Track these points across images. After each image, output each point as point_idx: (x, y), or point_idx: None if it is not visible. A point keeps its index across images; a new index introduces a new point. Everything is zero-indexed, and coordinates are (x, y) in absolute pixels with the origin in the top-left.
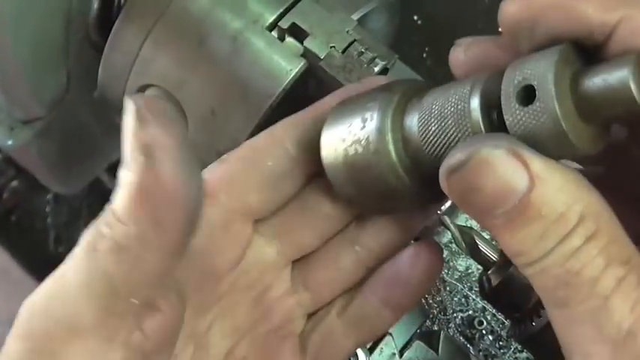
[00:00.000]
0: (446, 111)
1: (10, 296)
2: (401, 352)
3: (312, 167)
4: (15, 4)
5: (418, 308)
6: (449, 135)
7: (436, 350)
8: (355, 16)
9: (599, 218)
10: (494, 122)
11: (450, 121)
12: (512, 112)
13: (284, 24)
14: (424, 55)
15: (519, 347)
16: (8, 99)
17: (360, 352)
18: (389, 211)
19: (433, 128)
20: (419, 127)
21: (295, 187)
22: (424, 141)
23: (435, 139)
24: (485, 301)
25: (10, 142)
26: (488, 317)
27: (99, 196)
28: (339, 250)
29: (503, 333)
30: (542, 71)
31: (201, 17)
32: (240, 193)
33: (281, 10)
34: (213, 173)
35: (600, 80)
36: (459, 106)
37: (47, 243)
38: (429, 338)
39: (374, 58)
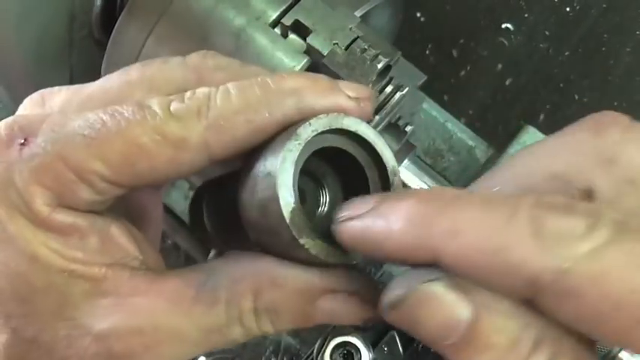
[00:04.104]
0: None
1: None
2: (404, 348)
3: None
4: (19, 1)
5: None
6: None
7: None
8: (358, 13)
9: (555, 340)
10: None
11: None
12: None
13: (287, 21)
14: (427, 52)
15: None
16: (12, 96)
17: (362, 348)
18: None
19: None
20: None
21: None
22: None
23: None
24: None
25: None
26: None
27: None
28: None
29: None
30: None
31: (205, 14)
32: None
33: (284, 7)
34: None
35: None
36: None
37: None
38: None
39: (377, 55)
